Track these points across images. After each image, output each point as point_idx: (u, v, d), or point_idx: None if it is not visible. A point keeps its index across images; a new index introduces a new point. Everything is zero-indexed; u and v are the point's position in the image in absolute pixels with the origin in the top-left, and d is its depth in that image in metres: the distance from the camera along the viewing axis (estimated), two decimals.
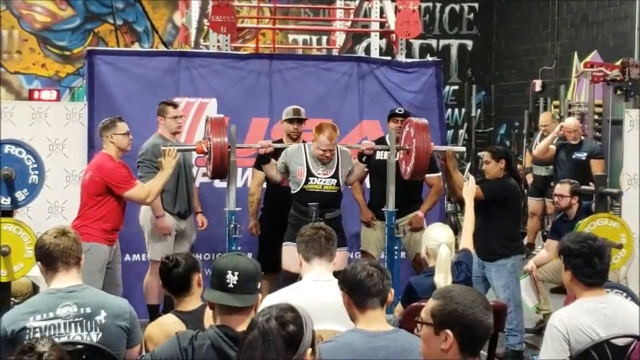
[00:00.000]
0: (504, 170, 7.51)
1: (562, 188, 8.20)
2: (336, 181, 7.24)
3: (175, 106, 7.80)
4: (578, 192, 8.12)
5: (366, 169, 7.91)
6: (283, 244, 7.28)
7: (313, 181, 7.19)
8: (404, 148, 7.33)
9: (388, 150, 7.50)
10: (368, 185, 8.30)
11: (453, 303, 3.02)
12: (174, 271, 4.56)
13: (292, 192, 7.28)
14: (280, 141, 7.80)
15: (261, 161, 7.33)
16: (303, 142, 7.57)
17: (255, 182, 8.01)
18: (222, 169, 6.88)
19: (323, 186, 7.20)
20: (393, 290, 3.97)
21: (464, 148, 7.87)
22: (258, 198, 8.05)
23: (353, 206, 8.20)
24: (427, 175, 7.69)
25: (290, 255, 7.13)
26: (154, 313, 7.43)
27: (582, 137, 10.66)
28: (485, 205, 7.08)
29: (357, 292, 3.86)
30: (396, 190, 7.29)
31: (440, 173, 7.98)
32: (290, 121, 7.80)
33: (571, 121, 10.61)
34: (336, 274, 4.93)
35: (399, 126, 7.62)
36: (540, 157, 10.97)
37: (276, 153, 7.35)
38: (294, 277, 7.08)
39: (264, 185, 7.96)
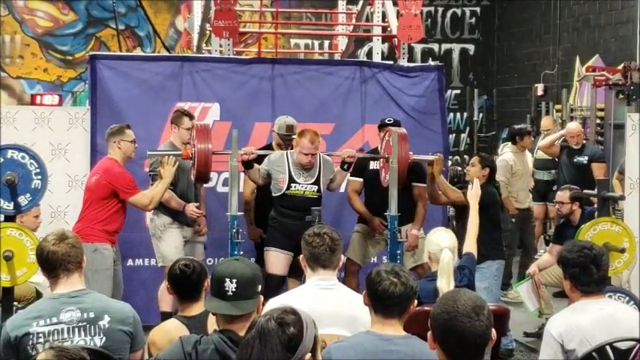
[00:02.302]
0: (485, 178, 7.61)
1: (562, 195, 8.22)
2: (317, 187, 7.39)
3: (192, 117, 7.79)
4: (579, 197, 8.14)
5: (360, 179, 7.94)
6: (265, 248, 7.40)
7: (295, 187, 7.33)
8: (383, 156, 7.48)
9: (372, 157, 7.73)
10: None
11: (437, 306, 3.05)
12: (192, 277, 4.56)
13: (273, 195, 7.40)
14: (270, 146, 7.84)
15: (245, 167, 7.39)
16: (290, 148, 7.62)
17: (248, 190, 7.99)
18: (205, 174, 7.12)
19: (304, 191, 7.34)
20: (415, 302, 3.96)
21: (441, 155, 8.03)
22: (253, 205, 8.04)
23: (343, 213, 8.23)
24: (416, 184, 7.75)
25: (274, 260, 7.25)
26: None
27: (584, 141, 10.68)
28: (468, 209, 7.10)
29: (377, 299, 3.87)
30: (381, 199, 7.39)
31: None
32: (281, 136, 7.82)
33: (574, 126, 10.65)
34: None
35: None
36: (545, 152, 10.95)
37: (260, 158, 7.41)
38: (280, 282, 7.22)
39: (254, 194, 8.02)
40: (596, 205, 8.04)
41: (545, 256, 8.40)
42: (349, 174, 7.72)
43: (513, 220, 10.32)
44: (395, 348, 3.77)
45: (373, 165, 7.86)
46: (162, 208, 7.57)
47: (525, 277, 8.38)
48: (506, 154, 10.43)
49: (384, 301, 3.85)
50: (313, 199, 7.33)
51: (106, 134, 7.36)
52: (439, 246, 5.45)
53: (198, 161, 6.97)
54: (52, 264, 4.24)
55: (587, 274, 4.46)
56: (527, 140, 10.35)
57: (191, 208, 7.57)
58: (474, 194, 6.38)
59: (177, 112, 7.82)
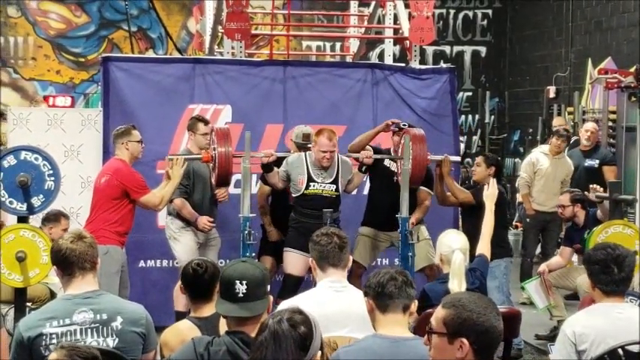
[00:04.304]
0: (492, 177, 7.61)
1: (563, 199, 8.41)
2: (335, 186, 7.42)
3: (207, 122, 7.81)
4: (579, 199, 8.22)
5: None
6: (285, 249, 7.42)
7: (314, 186, 7.37)
8: (400, 158, 7.49)
9: (389, 158, 7.75)
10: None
11: (465, 311, 3.02)
12: (204, 276, 4.57)
13: (293, 196, 7.46)
14: (287, 151, 7.87)
15: (264, 170, 7.40)
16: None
17: (262, 197, 8.07)
18: (226, 176, 7.16)
19: (323, 190, 7.38)
20: (416, 302, 3.97)
21: (459, 158, 8.07)
22: (269, 209, 8.07)
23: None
24: (422, 188, 7.76)
25: (293, 261, 7.28)
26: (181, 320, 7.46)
27: (597, 142, 10.67)
28: (476, 210, 7.12)
29: (379, 294, 3.88)
30: (393, 201, 7.41)
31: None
32: (298, 145, 7.83)
33: (590, 124, 10.73)
34: None
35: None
36: None
37: (279, 161, 7.43)
38: (297, 283, 7.26)
39: (269, 198, 8.08)
40: (597, 207, 8.05)
41: (556, 258, 8.46)
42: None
43: (528, 219, 10.27)
44: (404, 350, 3.77)
45: (385, 162, 7.86)
46: (176, 212, 7.62)
47: (535, 276, 8.44)
48: (533, 152, 10.40)
49: (383, 294, 3.86)
50: (332, 198, 7.38)
51: (112, 136, 7.38)
52: (451, 248, 5.44)
53: (219, 164, 7.01)
54: (70, 262, 4.24)
55: (607, 273, 4.44)
56: (554, 142, 10.06)
57: (203, 222, 7.61)
58: (490, 195, 6.28)
59: (192, 120, 7.85)
